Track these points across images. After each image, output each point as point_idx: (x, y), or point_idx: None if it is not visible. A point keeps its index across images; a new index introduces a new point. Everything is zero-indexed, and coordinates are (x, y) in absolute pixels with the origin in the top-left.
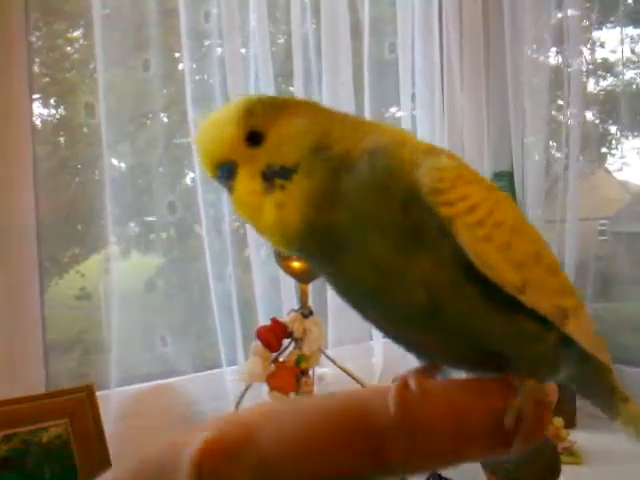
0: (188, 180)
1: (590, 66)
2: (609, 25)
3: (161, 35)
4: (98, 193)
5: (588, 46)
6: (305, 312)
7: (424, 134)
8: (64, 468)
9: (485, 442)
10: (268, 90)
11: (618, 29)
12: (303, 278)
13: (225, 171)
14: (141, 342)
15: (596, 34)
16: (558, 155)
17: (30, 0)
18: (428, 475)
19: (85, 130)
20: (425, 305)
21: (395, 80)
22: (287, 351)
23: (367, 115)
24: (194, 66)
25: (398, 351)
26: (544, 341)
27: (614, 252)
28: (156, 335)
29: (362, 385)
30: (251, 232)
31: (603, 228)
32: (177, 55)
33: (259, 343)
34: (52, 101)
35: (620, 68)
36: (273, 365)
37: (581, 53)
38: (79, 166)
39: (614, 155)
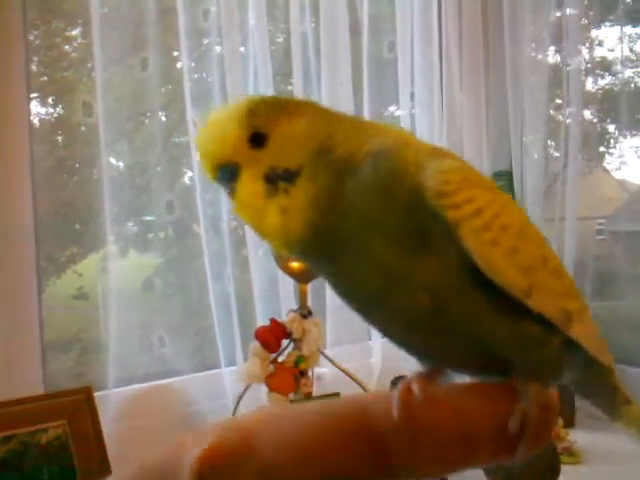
0: (186, 179)
1: (588, 65)
2: (608, 24)
3: (159, 34)
4: (96, 192)
5: (587, 45)
6: (304, 312)
7: (423, 133)
8: (63, 469)
9: (489, 447)
10: (267, 88)
11: (616, 28)
12: (302, 278)
13: (227, 173)
14: (139, 342)
15: (595, 33)
16: (556, 154)
17: None
18: None
19: (83, 129)
20: (429, 308)
21: (394, 79)
22: (286, 352)
23: (366, 113)
24: (193, 65)
25: (397, 351)
26: (548, 345)
27: (612, 251)
28: (154, 335)
29: (361, 385)
30: (249, 232)
31: (601, 227)
32: (175, 54)
33: (258, 344)
34: (50, 100)
35: (619, 67)
36: (272, 366)
37: (580, 52)
38: (77, 165)
39: (612, 154)
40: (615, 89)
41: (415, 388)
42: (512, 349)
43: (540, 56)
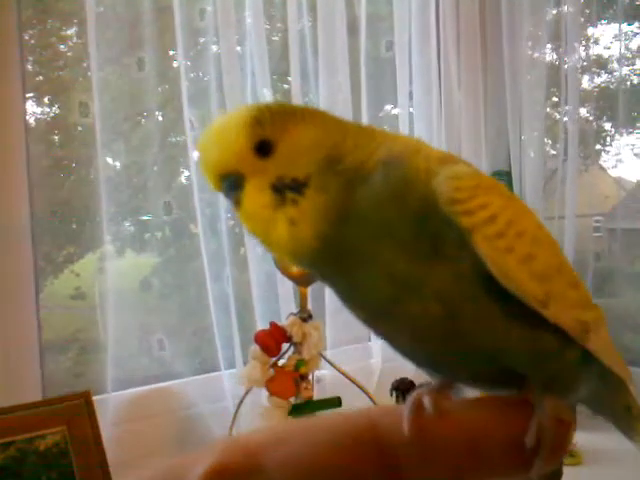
0: (183, 179)
1: (585, 63)
2: (604, 22)
3: (156, 33)
4: (93, 192)
5: (583, 43)
6: (304, 316)
7: (421, 132)
8: (62, 476)
9: (504, 463)
10: (264, 88)
11: (613, 26)
12: (302, 281)
13: (231, 183)
14: (138, 344)
15: (591, 31)
16: (553, 152)
17: None
18: None
19: (79, 129)
20: (441, 316)
21: (392, 78)
22: (286, 355)
23: (364, 113)
24: (189, 64)
25: None
26: (564, 357)
27: (609, 248)
28: (153, 337)
29: (361, 388)
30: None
31: (598, 225)
32: (172, 53)
33: (258, 347)
34: (46, 100)
35: (615, 65)
36: (272, 370)
37: (576, 50)
38: (73, 165)
39: (609, 152)
40: (611, 87)
41: (426, 402)
42: (527, 360)
43: (537, 54)
